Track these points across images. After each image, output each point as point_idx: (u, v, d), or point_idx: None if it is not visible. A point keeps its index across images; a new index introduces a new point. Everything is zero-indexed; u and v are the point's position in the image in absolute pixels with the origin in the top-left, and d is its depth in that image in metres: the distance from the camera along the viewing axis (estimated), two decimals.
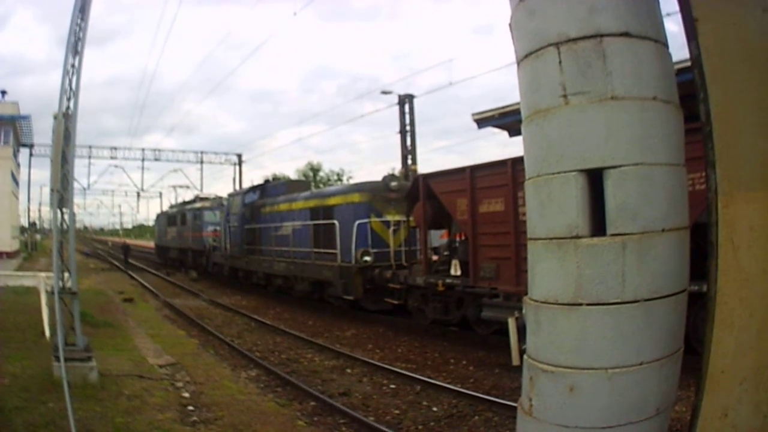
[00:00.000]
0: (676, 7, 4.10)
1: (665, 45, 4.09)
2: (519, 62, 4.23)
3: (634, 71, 3.63)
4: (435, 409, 11.74)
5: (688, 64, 4.09)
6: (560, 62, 3.71)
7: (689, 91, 4.10)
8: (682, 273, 3.68)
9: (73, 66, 11.79)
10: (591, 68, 3.62)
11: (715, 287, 3.70)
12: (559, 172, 3.55)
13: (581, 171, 3.50)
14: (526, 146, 3.92)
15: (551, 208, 3.59)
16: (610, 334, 3.43)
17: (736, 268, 3.64)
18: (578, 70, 3.65)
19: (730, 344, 3.68)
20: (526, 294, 4.14)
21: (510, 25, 4.44)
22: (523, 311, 3.59)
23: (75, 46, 11.78)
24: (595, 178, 3.50)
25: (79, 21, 11.78)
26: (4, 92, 55.98)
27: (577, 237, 3.44)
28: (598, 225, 3.51)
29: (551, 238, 3.52)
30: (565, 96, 3.58)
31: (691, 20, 3.90)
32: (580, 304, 3.41)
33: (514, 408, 10.96)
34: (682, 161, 3.72)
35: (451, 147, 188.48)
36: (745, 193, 3.62)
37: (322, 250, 24.52)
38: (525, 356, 3.66)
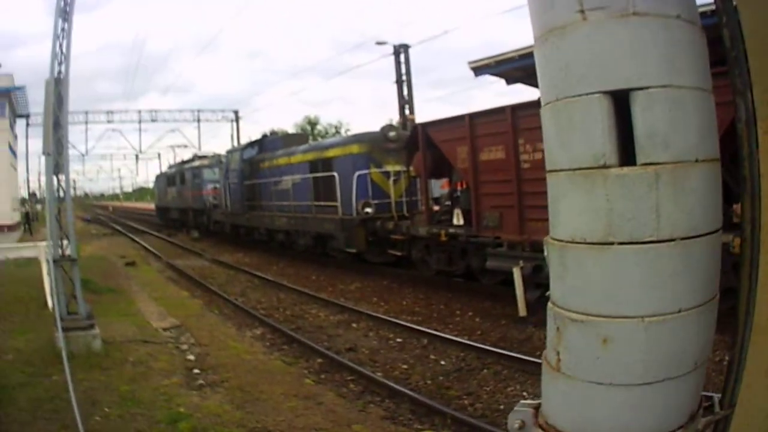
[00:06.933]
0: None
1: None
2: None
3: None
4: (443, 362, 11.65)
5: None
6: None
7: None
8: (717, 209, 3.41)
9: (63, 30, 11.66)
10: None
11: (758, 223, 3.49)
12: (580, 95, 3.28)
13: (605, 93, 3.24)
14: (540, 69, 3.61)
15: (573, 136, 3.29)
16: (645, 277, 3.14)
17: None
18: None
19: None
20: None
21: None
22: (545, 253, 3.32)
23: (64, 9, 11.61)
24: (619, 103, 3.27)
25: None
26: None
27: (605, 167, 3.16)
28: (625, 154, 3.26)
29: (575, 169, 3.23)
30: (582, 11, 3.29)
31: None
32: (612, 243, 3.12)
33: (523, 361, 11.00)
34: (710, 87, 3.48)
35: (446, 97, 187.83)
36: None
37: (323, 203, 24.37)
38: (549, 304, 3.34)
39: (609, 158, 3.23)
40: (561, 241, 3.37)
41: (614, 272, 3.23)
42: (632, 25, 3.24)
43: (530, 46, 15.23)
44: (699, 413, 3.59)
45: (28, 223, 54.68)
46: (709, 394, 3.74)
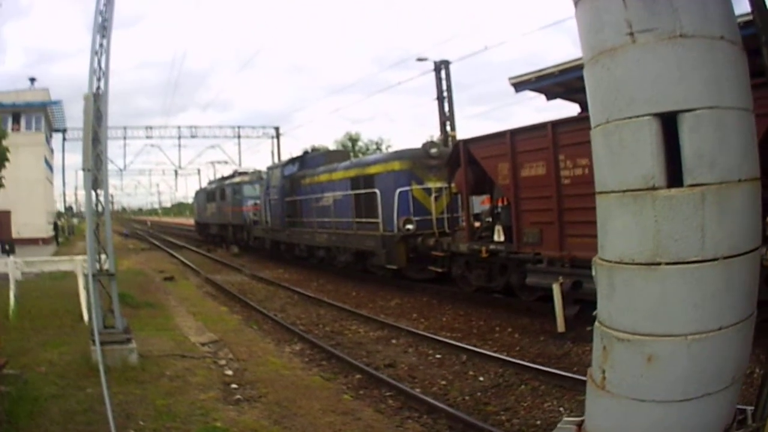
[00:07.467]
0: None
1: None
2: (576, 1, 3.92)
3: (699, 9, 3.34)
4: (481, 378, 11.59)
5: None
6: None
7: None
8: (757, 228, 3.37)
9: (101, 46, 11.73)
10: (657, 3, 3.33)
11: None
12: (630, 117, 3.23)
13: (655, 115, 3.19)
14: (590, 90, 3.58)
15: (623, 157, 3.26)
16: (689, 296, 3.12)
17: None
18: (644, 5, 3.34)
19: None
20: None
21: None
22: (593, 273, 3.25)
23: (102, 25, 11.71)
24: (666, 124, 3.20)
25: (104, 0, 11.69)
26: (33, 79, 57.13)
27: (654, 188, 3.12)
28: (672, 175, 3.19)
29: (625, 191, 3.19)
30: (631, 34, 3.27)
31: None
32: (659, 264, 3.09)
33: (561, 376, 10.86)
34: (751, 106, 3.41)
35: (487, 113, 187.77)
36: None
37: (364, 220, 24.41)
38: (596, 323, 3.31)
39: (658, 180, 3.19)
40: (610, 261, 3.31)
41: (661, 292, 3.19)
42: (680, 47, 3.23)
43: (570, 61, 15.08)
44: (733, 426, 3.53)
45: (56, 235, 55.47)
46: (743, 407, 3.65)
